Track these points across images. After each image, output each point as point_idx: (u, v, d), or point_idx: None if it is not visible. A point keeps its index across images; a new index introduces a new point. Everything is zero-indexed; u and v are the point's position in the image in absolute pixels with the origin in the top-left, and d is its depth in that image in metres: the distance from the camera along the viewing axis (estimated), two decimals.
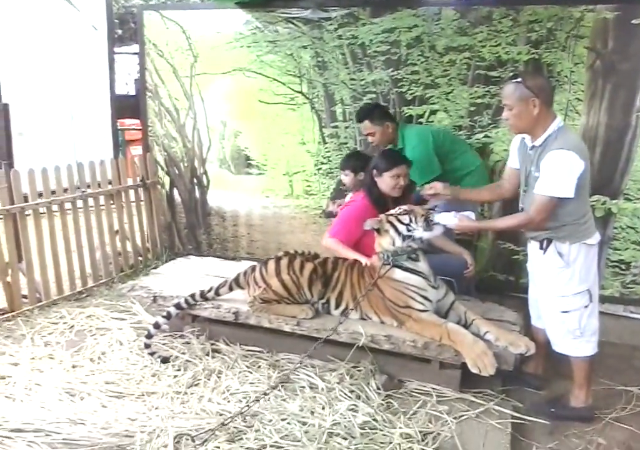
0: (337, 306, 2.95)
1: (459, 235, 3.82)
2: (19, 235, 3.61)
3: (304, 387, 2.69)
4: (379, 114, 3.45)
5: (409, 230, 2.74)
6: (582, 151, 2.36)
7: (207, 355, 2.99)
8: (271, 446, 2.27)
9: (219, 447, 2.26)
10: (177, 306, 3.07)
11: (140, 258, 4.53)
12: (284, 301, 2.95)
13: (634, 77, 3.40)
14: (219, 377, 2.80)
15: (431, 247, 3.11)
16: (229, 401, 2.61)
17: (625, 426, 2.53)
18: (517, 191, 2.66)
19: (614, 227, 3.60)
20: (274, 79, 4.22)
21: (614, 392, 2.80)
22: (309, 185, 4.30)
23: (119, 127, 7.28)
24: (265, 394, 2.59)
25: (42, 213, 3.72)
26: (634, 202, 3.53)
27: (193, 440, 2.30)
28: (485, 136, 3.76)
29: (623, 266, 3.64)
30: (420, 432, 2.37)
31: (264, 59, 4.20)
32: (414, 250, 2.79)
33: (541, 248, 2.52)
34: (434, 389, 2.69)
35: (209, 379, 2.79)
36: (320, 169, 4.23)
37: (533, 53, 3.56)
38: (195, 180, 4.68)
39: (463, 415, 2.51)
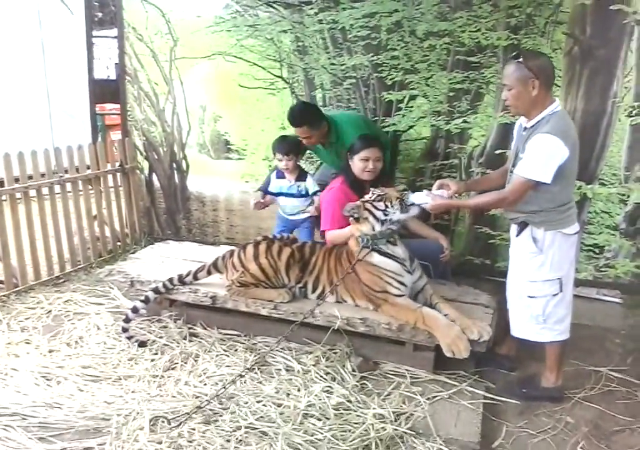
0: (314, 290, 2.97)
1: (436, 219, 3.85)
2: None
3: (280, 369, 2.73)
4: (316, 116, 3.27)
5: (386, 215, 2.75)
6: (568, 138, 2.29)
7: (185, 339, 3.01)
8: (246, 427, 2.30)
9: (194, 429, 2.29)
10: (155, 290, 3.07)
11: (119, 243, 4.50)
12: (261, 285, 2.96)
13: (611, 64, 3.42)
14: (195, 361, 2.82)
15: (407, 231, 3.13)
16: (205, 384, 2.63)
17: (594, 405, 2.59)
18: None
19: (589, 212, 3.65)
20: (254, 64, 4.18)
21: (584, 373, 2.85)
22: None
23: (99, 112, 7.20)
24: (241, 375, 2.61)
25: (18, 198, 3.67)
26: (609, 187, 3.58)
27: (169, 423, 2.33)
28: (464, 121, 3.76)
29: (597, 250, 3.70)
30: (393, 412, 2.41)
31: (244, 44, 4.16)
32: (392, 233, 2.81)
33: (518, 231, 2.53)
34: (408, 370, 2.73)
35: (185, 363, 2.80)
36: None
37: (512, 38, 3.55)
38: (174, 165, 4.65)
39: (436, 396, 2.56)
